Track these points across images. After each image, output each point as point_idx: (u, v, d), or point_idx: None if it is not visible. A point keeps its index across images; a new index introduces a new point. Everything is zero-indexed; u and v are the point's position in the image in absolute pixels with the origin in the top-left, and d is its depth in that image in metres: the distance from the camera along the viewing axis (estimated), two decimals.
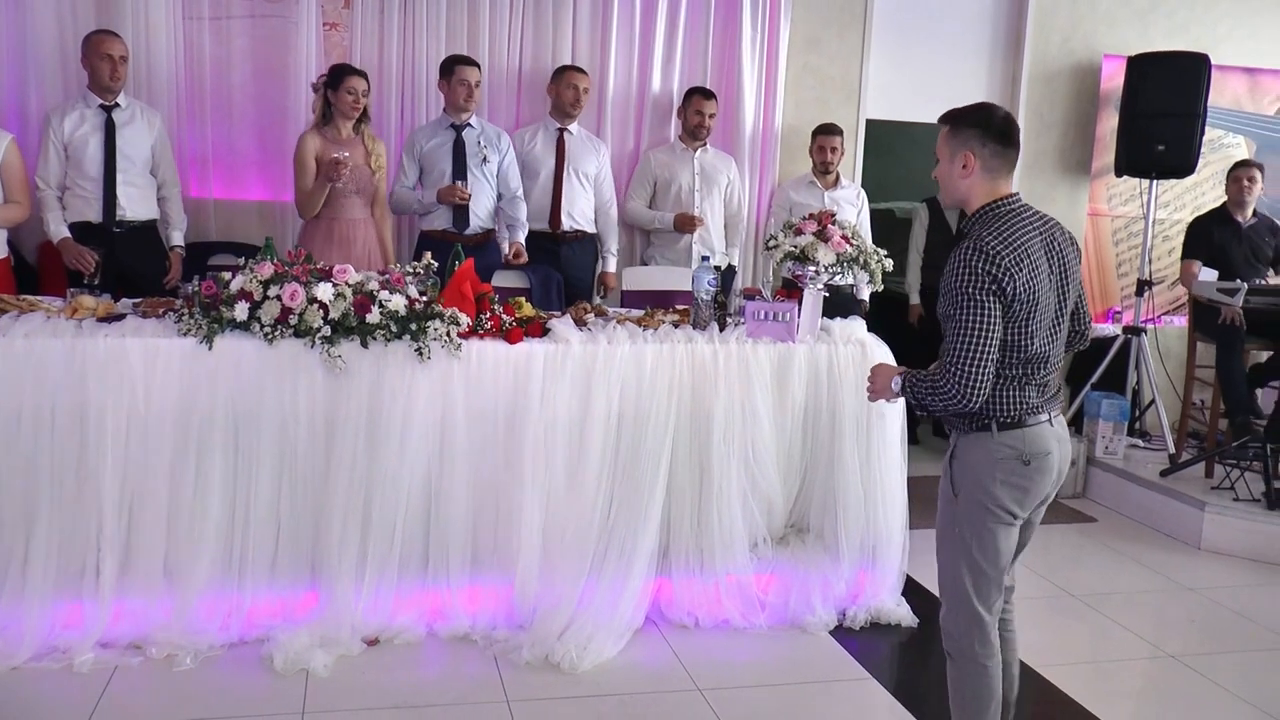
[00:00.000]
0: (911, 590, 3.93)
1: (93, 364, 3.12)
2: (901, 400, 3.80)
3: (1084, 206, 6.12)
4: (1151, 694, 3.49)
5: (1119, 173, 5.78)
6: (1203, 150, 5.61)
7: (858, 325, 3.91)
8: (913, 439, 4.27)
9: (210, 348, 3.18)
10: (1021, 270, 2.36)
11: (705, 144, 5.23)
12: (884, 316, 5.09)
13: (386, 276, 3.44)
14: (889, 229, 6.46)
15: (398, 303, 3.32)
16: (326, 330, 3.23)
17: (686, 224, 5.09)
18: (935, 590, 4.03)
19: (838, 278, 3.94)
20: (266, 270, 3.25)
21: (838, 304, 4.23)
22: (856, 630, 3.70)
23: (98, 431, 3.13)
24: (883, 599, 3.80)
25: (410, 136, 4.78)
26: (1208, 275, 5.28)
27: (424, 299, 3.42)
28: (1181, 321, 5.91)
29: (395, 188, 4.72)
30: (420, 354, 3.29)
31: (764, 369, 3.66)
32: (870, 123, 5.74)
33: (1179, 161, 5.55)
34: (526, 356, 3.46)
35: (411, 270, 3.54)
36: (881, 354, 3.79)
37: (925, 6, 5.72)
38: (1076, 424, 5.70)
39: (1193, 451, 5.53)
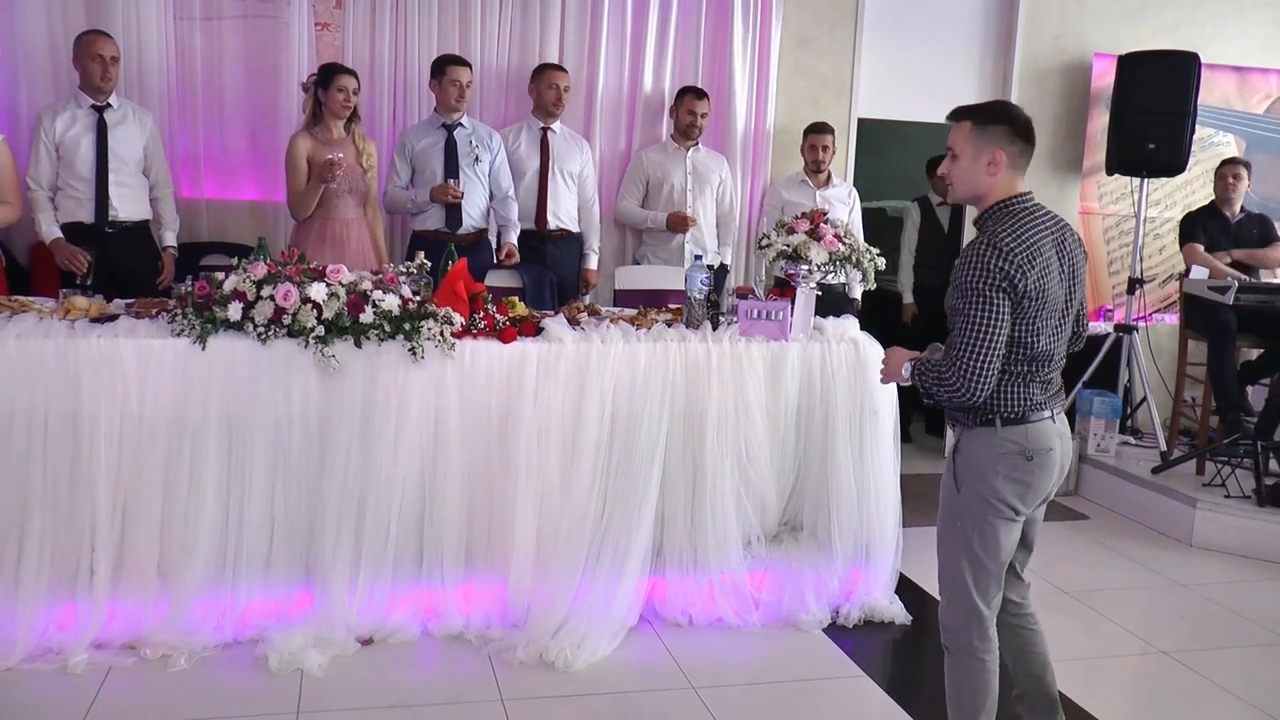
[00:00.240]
0: (905, 588, 3.95)
1: (86, 365, 3.12)
2: (896, 399, 3.85)
3: (1075, 205, 6.14)
4: (1143, 690, 3.50)
5: (1110, 171, 5.80)
6: (1193, 149, 5.63)
7: (850, 324, 3.92)
8: (905, 437, 4.28)
9: (204, 348, 3.18)
10: (1034, 268, 2.38)
11: (697, 143, 5.24)
12: (876, 315, 5.11)
13: (380, 276, 3.44)
14: (880, 228, 6.50)
15: (391, 302, 3.32)
16: (320, 330, 3.23)
17: (679, 223, 5.10)
18: (928, 588, 4.09)
19: (830, 276, 3.96)
20: (260, 270, 3.25)
21: (830, 303, 4.25)
22: (850, 628, 3.71)
23: (91, 432, 3.12)
24: (876, 597, 3.81)
25: (402, 136, 4.78)
26: (1199, 273, 5.31)
27: (417, 298, 3.42)
28: (1173, 319, 5.93)
29: (388, 188, 4.72)
30: (414, 353, 3.29)
31: (757, 368, 3.67)
32: (862, 121, 5.75)
33: (1169, 160, 5.57)
34: (520, 356, 3.46)
35: (405, 270, 3.55)
36: (874, 353, 3.80)
37: (916, 5, 5.74)
38: (1068, 421, 5.71)
39: (1184, 449, 5.56)
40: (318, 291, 3.24)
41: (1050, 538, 4.78)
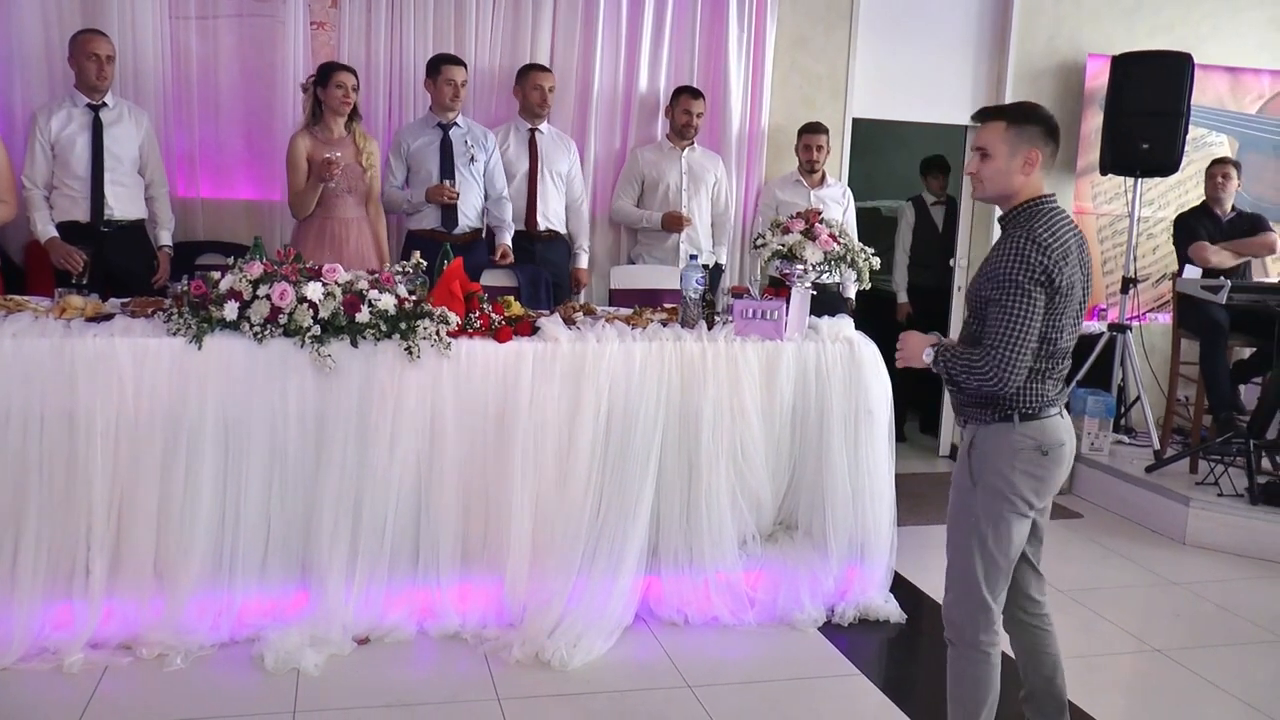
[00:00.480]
0: (900, 587, 3.96)
1: (82, 364, 3.12)
2: (890, 398, 3.86)
3: (1069, 204, 6.15)
4: (1137, 687, 3.52)
5: (1104, 171, 5.82)
6: (1186, 149, 5.65)
7: (845, 323, 3.93)
8: (900, 436, 4.29)
9: (200, 347, 3.18)
10: (1067, 264, 2.44)
11: (693, 143, 5.25)
12: (871, 315, 5.12)
13: (376, 276, 3.44)
14: (874, 227, 6.50)
15: (387, 302, 3.33)
16: (316, 329, 3.24)
17: (674, 223, 5.11)
18: (923, 586, 4.10)
19: (825, 276, 3.96)
20: (256, 270, 3.26)
21: (824, 302, 4.26)
22: (845, 627, 3.72)
23: (87, 431, 3.12)
24: (871, 595, 3.82)
25: (397, 136, 4.78)
26: (1191, 272, 5.32)
27: (413, 298, 3.43)
28: (1166, 318, 5.95)
29: (385, 187, 4.72)
30: (410, 353, 3.30)
31: (752, 367, 3.68)
32: (856, 121, 5.76)
33: (1163, 160, 5.59)
34: (516, 355, 3.47)
35: (401, 269, 3.55)
36: (869, 352, 3.82)
37: (911, 6, 5.74)
38: None
39: (1177, 447, 5.58)
40: (314, 291, 3.24)
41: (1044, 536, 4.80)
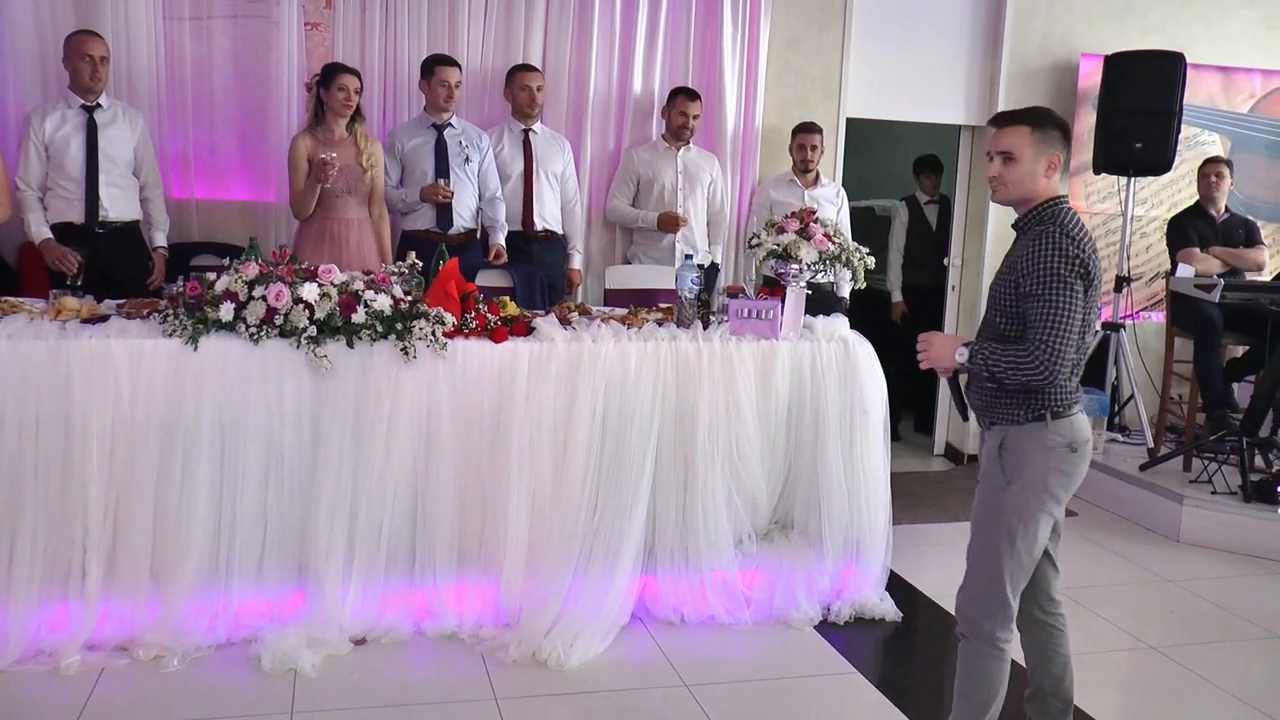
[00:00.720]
0: (895, 585, 3.97)
1: (77, 365, 3.12)
2: (885, 397, 3.87)
3: None
4: (1133, 685, 3.53)
5: (1097, 170, 5.83)
6: (1179, 148, 5.67)
7: (840, 322, 3.94)
8: (895, 435, 4.30)
9: (195, 348, 3.18)
10: (1096, 260, 2.50)
11: (688, 143, 5.25)
12: (865, 314, 5.13)
13: (372, 276, 3.44)
14: (868, 227, 6.52)
15: (383, 302, 3.33)
16: (312, 330, 3.24)
17: (670, 223, 5.11)
18: (919, 585, 4.11)
19: (820, 275, 3.97)
20: (251, 271, 3.26)
21: (818, 302, 4.26)
22: (841, 625, 3.73)
23: (83, 433, 3.12)
24: (867, 594, 3.84)
25: (391, 136, 4.78)
26: (1185, 271, 5.34)
27: (409, 298, 3.43)
28: (1160, 317, 5.97)
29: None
30: (406, 353, 3.30)
31: (748, 366, 3.69)
32: (850, 121, 5.77)
33: (1156, 159, 5.60)
34: (512, 355, 3.47)
35: (396, 270, 3.55)
36: (865, 351, 3.83)
37: (905, 5, 5.75)
38: None
39: (1171, 445, 5.60)
40: (309, 292, 3.24)
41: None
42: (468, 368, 3.43)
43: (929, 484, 5.73)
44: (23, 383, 3.09)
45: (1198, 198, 5.69)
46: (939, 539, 4.78)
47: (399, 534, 3.41)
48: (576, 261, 5.19)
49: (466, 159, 4.71)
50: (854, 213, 5.68)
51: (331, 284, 3.31)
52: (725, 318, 3.79)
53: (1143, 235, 6.27)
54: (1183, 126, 5.67)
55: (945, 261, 6.24)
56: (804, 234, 3.90)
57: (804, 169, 5.36)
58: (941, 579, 4.24)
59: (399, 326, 3.32)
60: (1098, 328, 5.93)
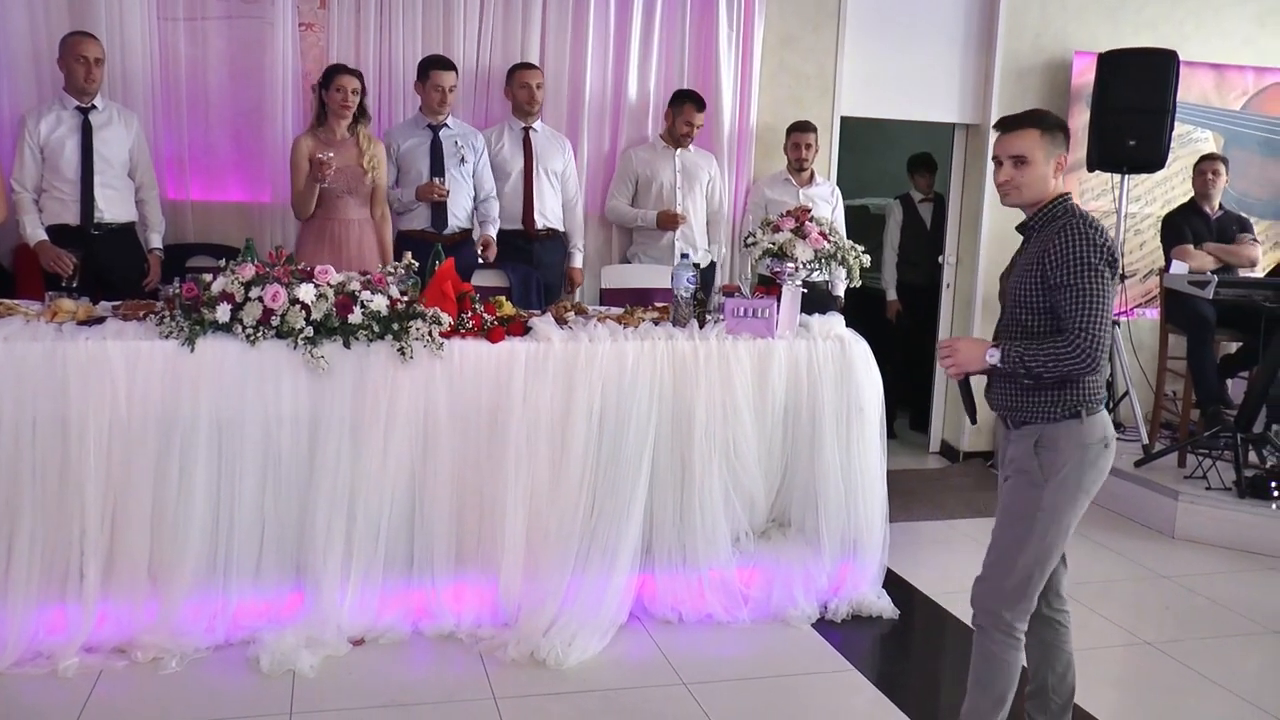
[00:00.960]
0: (891, 582, 3.98)
1: (74, 367, 3.11)
2: (881, 395, 3.88)
3: None
4: (1129, 681, 3.55)
5: (1091, 168, 5.84)
6: (1172, 145, 5.68)
7: (836, 321, 3.95)
8: (890, 433, 4.31)
9: (192, 350, 3.18)
10: (1117, 250, 2.54)
11: (687, 145, 5.25)
12: (860, 312, 5.14)
13: (368, 277, 3.44)
14: (863, 225, 6.53)
15: (379, 303, 3.33)
16: (309, 331, 3.24)
17: (669, 222, 5.11)
18: (915, 582, 4.13)
19: (815, 274, 3.98)
20: (248, 272, 3.26)
21: (814, 300, 4.27)
22: (838, 623, 3.74)
23: (79, 434, 3.12)
24: (864, 591, 3.84)
25: (386, 136, 4.77)
26: (1179, 268, 5.36)
27: (405, 299, 3.43)
28: (1154, 314, 5.99)
29: None
30: (403, 354, 3.30)
31: (744, 365, 3.69)
32: (844, 120, 5.78)
33: (1149, 156, 5.62)
34: (508, 355, 3.47)
35: (392, 270, 3.55)
36: (860, 349, 3.84)
37: (899, 4, 5.76)
38: None
39: (1166, 442, 5.62)
40: (306, 293, 3.24)
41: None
42: (464, 368, 3.43)
43: (925, 482, 5.74)
44: (19, 385, 3.08)
45: (1192, 195, 5.70)
46: (935, 536, 4.80)
47: (397, 534, 3.41)
48: (578, 260, 5.19)
49: (462, 159, 4.71)
50: (848, 211, 5.68)
51: (328, 285, 3.31)
52: (721, 316, 3.79)
53: (1136, 232, 6.29)
54: (1176, 124, 5.69)
55: (940, 260, 6.26)
56: (799, 233, 3.91)
57: (799, 168, 5.36)
58: (938, 576, 4.26)
59: (395, 327, 3.33)
60: None
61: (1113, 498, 5.24)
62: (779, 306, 3.78)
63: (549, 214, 5.01)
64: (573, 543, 3.49)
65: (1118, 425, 5.96)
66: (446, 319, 3.41)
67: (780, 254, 3.88)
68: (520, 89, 4.91)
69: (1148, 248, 6.28)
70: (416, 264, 3.64)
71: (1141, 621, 3.96)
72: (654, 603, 3.68)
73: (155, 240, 4.51)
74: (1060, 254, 2.48)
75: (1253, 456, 5.03)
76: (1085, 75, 5.91)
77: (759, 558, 3.77)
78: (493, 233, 4.79)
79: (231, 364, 3.22)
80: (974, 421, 2.85)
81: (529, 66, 4.99)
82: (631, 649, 3.46)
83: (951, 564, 4.47)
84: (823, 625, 3.72)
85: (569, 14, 5.19)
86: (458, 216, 4.75)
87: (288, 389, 3.26)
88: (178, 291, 3.27)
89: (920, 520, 5.00)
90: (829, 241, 3.90)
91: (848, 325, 3.98)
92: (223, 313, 3.20)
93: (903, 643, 3.75)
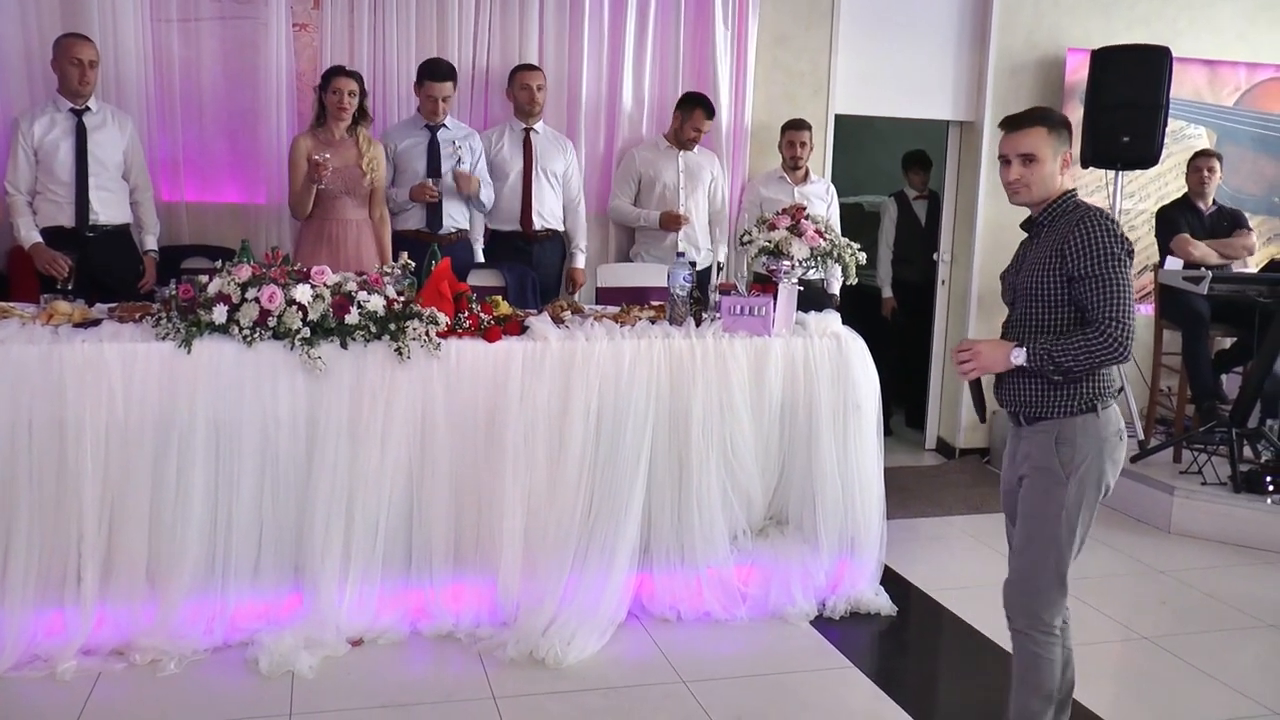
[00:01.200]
0: (889, 579, 3.99)
1: (70, 369, 3.11)
2: (878, 392, 3.88)
3: None
4: (1126, 675, 3.56)
5: (1085, 164, 5.86)
6: (1165, 141, 5.70)
7: (833, 318, 3.95)
8: (886, 430, 4.31)
9: (189, 351, 3.18)
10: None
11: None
12: (855, 310, 5.14)
13: (364, 277, 3.44)
14: (857, 223, 6.53)
15: (376, 303, 3.33)
16: (306, 332, 3.24)
17: (672, 222, 5.10)
18: (913, 579, 4.13)
19: (811, 271, 3.98)
20: (244, 273, 3.25)
21: (809, 298, 4.27)
22: (836, 620, 3.75)
23: (76, 437, 3.11)
24: (862, 589, 3.85)
25: (384, 136, 4.76)
26: (1173, 264, 5.37)
27: (402, 299, 3.43)
28: (1148, 310, 6.00)
29: None
30: (400, 354, 3.30)
31: (741, 363, 3.70)
32: (838, 118, 5.78)
33: (1143, 152, 5.63)
34: (505, 355, 3.47)
35: (389, 270, 3.55)
36: (857, 347, 3.84)
37: (892, 2, 5.76)
38: None
39: (1161, 437, 5.63)
40: (303, 293, 3.24)
41: None
42: (462, 367, 3.43)
43: (921, 478, 5.75)
44: (16, 388, 3.08)
45: (1185, 190, 5.71)
46: (932, 533, 4.80)
47: (395, 534, 3.41)
48: (580, 261, 5.17)
49: (459, 160, 4.70)
50: (843, 209, 5.69)
51: (324, 285, 3.30)
52: (718, 315, 3.79)
53: (1131, 229, 6.30)
54: (1169, 120, 5.70)
55: (935, 257, 6.26)
56: (795, 230, 3.91)
57: (793, 166, 5.36)
58: (935, 573, 4.27)
59: (392, 327, 3.33)
60: None
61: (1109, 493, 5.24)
62: (775, 304, 3.78)
63: (547, 215, 5.01)
64: (571, 542, 3.50)
65: None
66: (443, 319, 3.41)
67: (776, 252, 3.88)
68: (521, 90, 4.90)
69: (1142, 244, 6.28)
70: (413, 264, 3.64)
71: (1138, 616, 3.97)
72: (652, 601, 3.68)
73: (150, 242, 4.51)
74: (1082, 246, 2.49)
75: (1247, 451, 5.05)
76: (1079, 72, 5.92)
77: (757, 556, 3.77)
78: (484, 196, 4.77)
79: (228, 365, 3.22)
80: (983, 420, 2.86)
81: (531, 68, 4.98)
82: (630, 647, 3.47)
83: (948, 560, 4.48)
84: (821, 622, 3.73)
85: (565, 14, 5.19)
86: (453, 217, 4.74)
87: (285, 390, 3.26)
88: (174, 293, 3.27)
89: (917, 517, 5.01)
90: (825, 239, 3.91)
91: (843, 323, 3.99)
92: (219, 314, 3.20)
93: (901, 639, 3.76)
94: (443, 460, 3.42)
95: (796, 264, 3.85)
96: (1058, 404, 2.57)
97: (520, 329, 3.56)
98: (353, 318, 3.28)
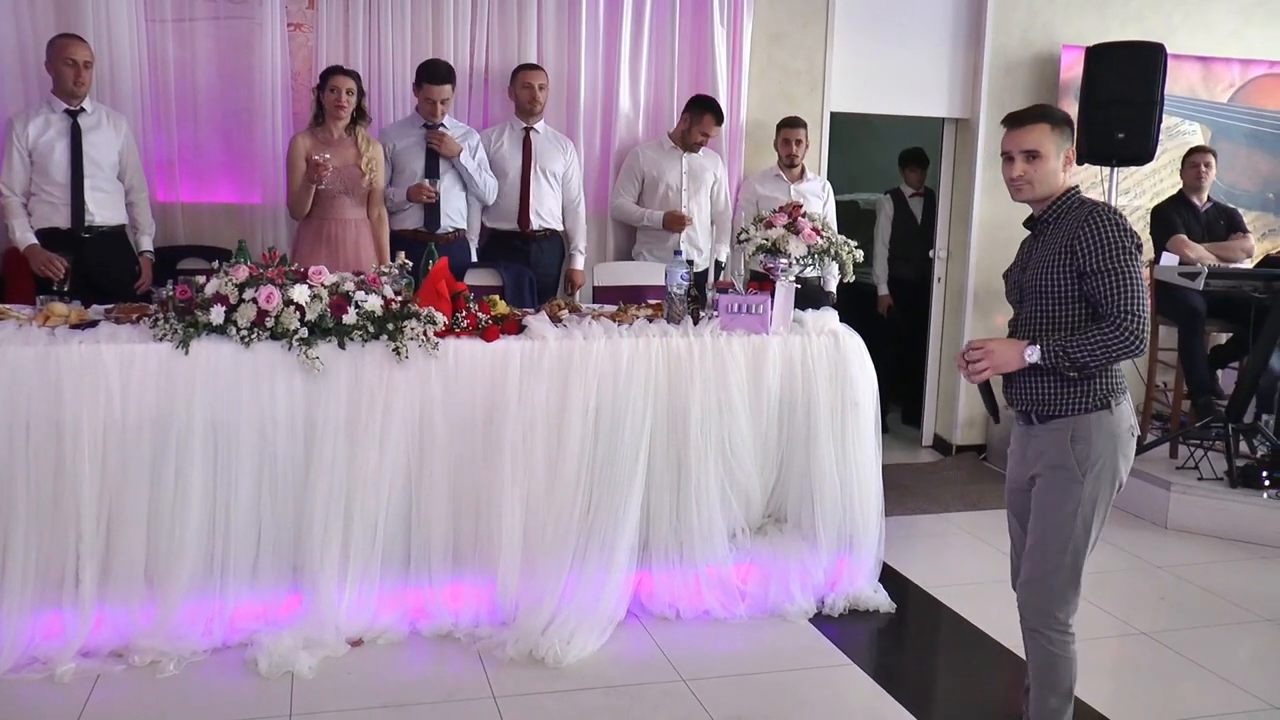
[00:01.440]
0: (887, 576, 3.99)
1: (68, 371, 3.10)
2: (876, 390, 3.88)
3: None
4: (1125, 670, 3.56)
5: (1080, 161, 5.86)
6: (1160, 137, 5.71)
7: (830, 316, 3.96)
8: (883, 427, 4.32)
9: (186, 352, 3.17)
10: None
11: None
12: (852, 307, 5.14)
13: (362, 277, 3.44)
14: (853, 221, 6.54)
15: (374, 303, 3.33)
16: (303, 332, 3.23)
17: (675, 223, 5.09)
18: (911, 576, 4.14)
19: (809, 269, 3.98)
20: (241, 273, 3.25)
21: (806, 296, 4.27)
22: (835, 617, 3.75)
23: (74, 439, 3.11)
24: (860, 586, 3.85)
25: (381, 135, 4.76)
26: (1169, 260, 5.38)
27: (399, 299, 3.42)
28: None
29: None
30: (398, 353, 3.30)
31: (739, 361, 3.70)
32: (833, 115, 5.78)
33: (1138, 149, 5.63)
34: (503, 354, 3.47)
35: (386, 270, 3.55)
36: (855, 344, 3.84)
37: (888, 0, 5.78)
38: None
39: (1157, 433, 5.64)
40: (300, 293, 3.24)
41: None
42: (460, 367, 3.43)
43: (918, 475, 5.76)
44: (13, 389, 3.07)
45: (1181, 187, 5.72)
46: (929, 530, 4.81)
47: (393, 534, 3.41)
48: (579, 263, 5.14)
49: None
50: (838, 207, 5.69)
51: (322, 285, 3.30)
52: (715, 313, 3.80)
53: None
54: (1164, 116, 5.71)
55: (931, 254, 6.27)
56: (792, 228, 3.91)
57: (789, 163, 5.36)
58: (933, 570, 4.27)
59: (390, 327, 3.32)
60: None
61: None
62: (773, 303, 3.78)
63: (546, 214, 4.99)
64: (570, 540, 3.50)
65: None
66: (441, 318, 3.41)
67: (774, 250, 3.88)
68: (523, 89, 4.90)
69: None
70: (410, 264, 3.64)
71: (1136, 611, 3.98)
72: (651, 600, 3.69)
73: (146, 243, 4.49)
74: (1093, 241, 2.49)
75: (1244, 446, 5.06)
76: (1073, 69, 5.93)
77: (755, 554, 3.78)
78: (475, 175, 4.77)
79: (226, 366, 3.21)
80: (997, 420, 2.85)
81: (533, 67, 4.97)
82: (629, 646, 3.47)
83: (946, 557, 4.49)
84: (820, 620, 3.73)
85: (562, 13, 5.17)
86: (451, 216, 4.74)
87: (283, 390, 3.26)
88: (171, 294, 3.26)
89: (914, 514, 5.01)
90: (822, 237, 3.91)
91: (840, 321, 3.99)
92: (217, 314, 3.19)
93: (899, 636, 3.76)
94: (441, 460, 3.42)
95: (794, 262, 3.86)
96: (1072, 401, 2.56)
97: (518, 328, 3.56)
98: (350, 318, 3.28)
